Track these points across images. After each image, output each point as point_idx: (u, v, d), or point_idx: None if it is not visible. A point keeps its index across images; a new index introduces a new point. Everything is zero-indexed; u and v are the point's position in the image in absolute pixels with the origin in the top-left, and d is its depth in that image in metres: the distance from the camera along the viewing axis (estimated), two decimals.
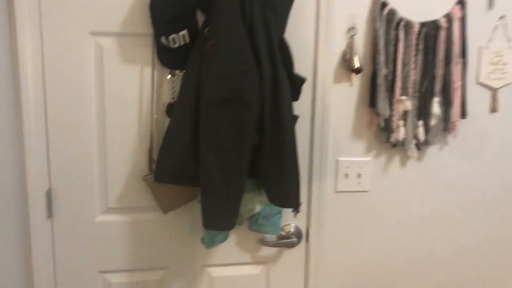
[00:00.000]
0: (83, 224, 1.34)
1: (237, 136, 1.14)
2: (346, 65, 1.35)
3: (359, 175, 1.43)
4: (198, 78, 1.16)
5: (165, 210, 1.32)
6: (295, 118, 1.27)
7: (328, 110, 1.38)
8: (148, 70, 1.28)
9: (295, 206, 1.26)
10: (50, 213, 1.33)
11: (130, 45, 1.27)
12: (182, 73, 1.25)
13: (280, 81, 1.17)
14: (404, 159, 1.46)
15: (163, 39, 1.21)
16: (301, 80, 1.30)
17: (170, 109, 1.30)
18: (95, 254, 1.37)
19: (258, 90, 1.15)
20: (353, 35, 1.33)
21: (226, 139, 1.14)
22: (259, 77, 1.14)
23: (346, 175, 1.43)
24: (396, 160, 1.45)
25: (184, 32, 1.21)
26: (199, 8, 1.24)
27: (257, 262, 1.47)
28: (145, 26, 1.25)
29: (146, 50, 1.28)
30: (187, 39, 1.21)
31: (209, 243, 1.31)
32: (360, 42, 1.35)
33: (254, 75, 1.14)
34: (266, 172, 1.22)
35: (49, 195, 1.32)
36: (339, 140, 1.41)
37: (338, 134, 1.40)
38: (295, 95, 1.29)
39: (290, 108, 1.21)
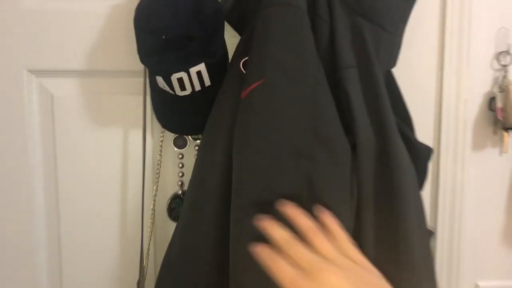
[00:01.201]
0: None
1: None
2: (494, 119, 0.91)
3: None
4: (228, 153, 0.70)
5: None
6: (428, 235, 0.72)
7: (462, 200, 0.93)
8: (136, 136, 0.87)
9: None
10: None
11: (103, 92, 0.86)
12: (197, 142, 0.85)
13: (395, 158, 0.67)
14: None
15: (160, 81, 0.73)
16: (426, 152, 0.76)
17: (176, 208, 0.88)
18: None
19: (348, 179, 0.66)
20: (507, 65, 0.88)
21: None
22: (348, 153, 0.67)
23: None
24: None
25: (199, 66, 0.71)
26: (229, 20, 0.75)
27: None
28: (129, 58, 0.83)
29: (132, 100, 0.86)
30: (206, 80, 0.73)
31: None
32: None
33: (338, 150, 0.66)
34: None
35: None
36: (480, 254, 0.99)
37: (478, 243, 0.98)
38: (420, 182, 0.75)
39: (419, 214, 0.69)
